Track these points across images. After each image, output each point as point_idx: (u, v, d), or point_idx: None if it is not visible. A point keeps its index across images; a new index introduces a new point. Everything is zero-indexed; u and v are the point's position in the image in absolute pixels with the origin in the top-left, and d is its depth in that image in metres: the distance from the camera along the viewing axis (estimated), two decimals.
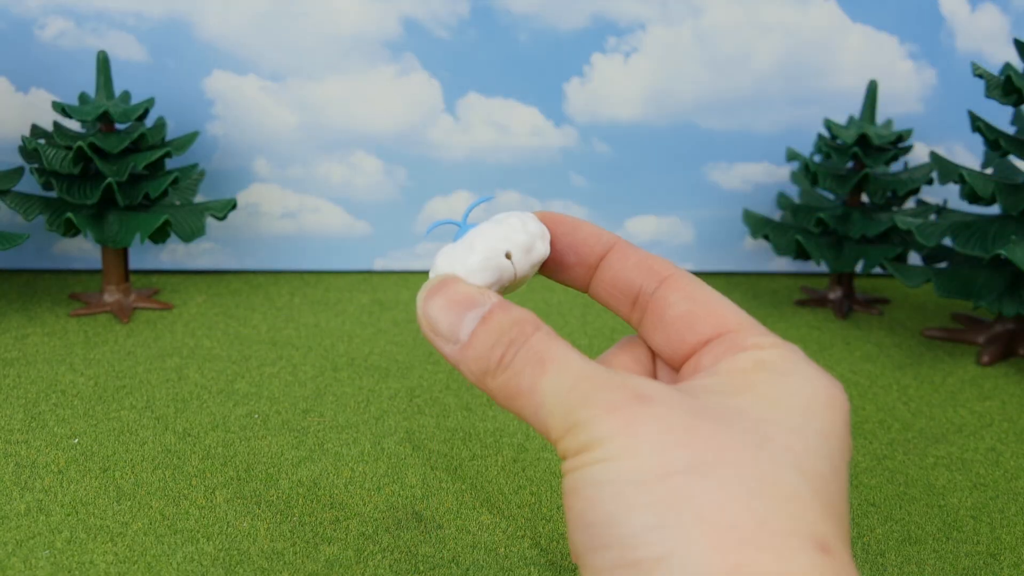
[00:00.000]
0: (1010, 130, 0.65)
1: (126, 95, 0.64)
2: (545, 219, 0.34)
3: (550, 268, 0.34)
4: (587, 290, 0.35)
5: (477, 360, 0.30)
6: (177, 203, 0.65)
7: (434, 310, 0.31)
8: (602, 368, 0.29)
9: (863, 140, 0.67)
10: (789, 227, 0.71)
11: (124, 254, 0.65)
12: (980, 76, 0.59)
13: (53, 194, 0.64)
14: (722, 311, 0.32)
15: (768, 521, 0.26)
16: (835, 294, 0.72)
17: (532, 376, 0.29)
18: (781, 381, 0.29)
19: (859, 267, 0.71)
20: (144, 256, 0.73)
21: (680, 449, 0.27)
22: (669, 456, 0.27)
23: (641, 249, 0.34)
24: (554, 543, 0.43)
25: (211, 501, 0.44)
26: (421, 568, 0.41)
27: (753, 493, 0.26)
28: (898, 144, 0.68)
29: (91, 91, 0.66)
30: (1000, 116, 0.68)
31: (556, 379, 0.29)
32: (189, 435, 0.50)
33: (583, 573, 0.28)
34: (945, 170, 0.64)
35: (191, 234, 0.63)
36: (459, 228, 0.32)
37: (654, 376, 0.33)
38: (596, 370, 0.29)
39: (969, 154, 0.75)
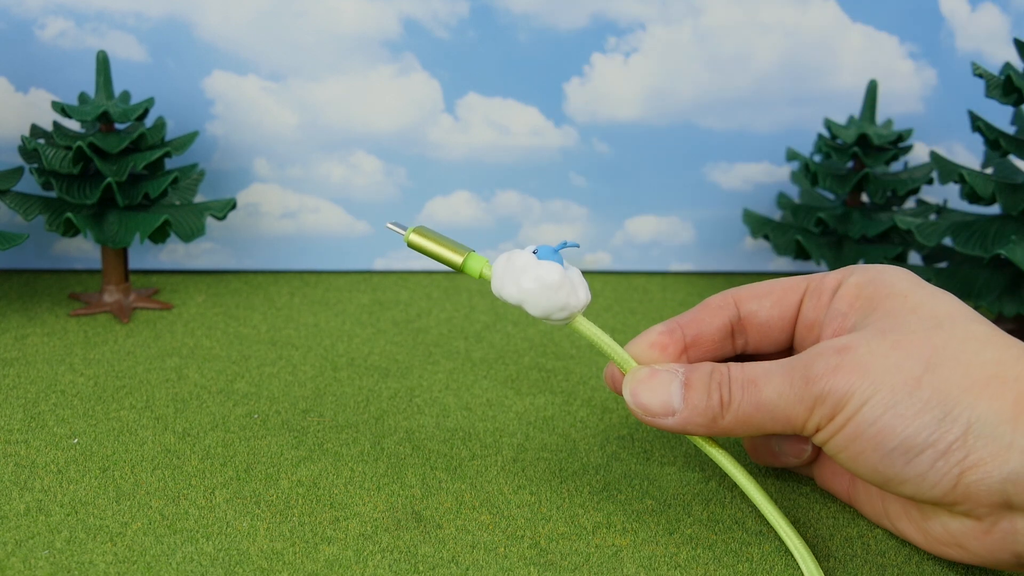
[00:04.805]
0: (1010, 130, 0.65)
1: (126, 95, 0.64)
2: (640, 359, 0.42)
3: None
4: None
5: (703, 414, 0.38)
6: (177, 203, 0.65)
7: (645, 399, 0.39)
8: (790, 358, 0.37)
9: (863, 140, 0.67)
10: (789, 227, 0.71)
11: (124, 254, 0.65)
12: (980, 76, 0.59)
13: (53, 194, 0.64)
14: (789, 281, 0.42)
15: (1005, 364, 0.34)
16: None
17: (753, 396, 0.37)
18: (891, 295, 0.38)
19: None
20: (144, 256, 0.73)
21: (909, 361, 0.34)
22: (907, 369, 0.34)
23: (699, 307, 0.43)
24: (554, 543, 0.42)
25: (210, 501, 0.44)
26: (420, 568, 0.40)
27: (989, 343, 0.35)
28: (898, 144, 0.68)
29: (91, 91, 0.66)
30: (1000, 116, 0.68)
31: (772, 386, 0.37)
32: (188, 435, 0.50)
33: (902, 490, 0.35)
34: (945, 170, 0.64)
35: (191, 234, 0.63)
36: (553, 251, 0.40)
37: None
38: (790, 362, 0.37)
39: (969, 154, 0.75)
